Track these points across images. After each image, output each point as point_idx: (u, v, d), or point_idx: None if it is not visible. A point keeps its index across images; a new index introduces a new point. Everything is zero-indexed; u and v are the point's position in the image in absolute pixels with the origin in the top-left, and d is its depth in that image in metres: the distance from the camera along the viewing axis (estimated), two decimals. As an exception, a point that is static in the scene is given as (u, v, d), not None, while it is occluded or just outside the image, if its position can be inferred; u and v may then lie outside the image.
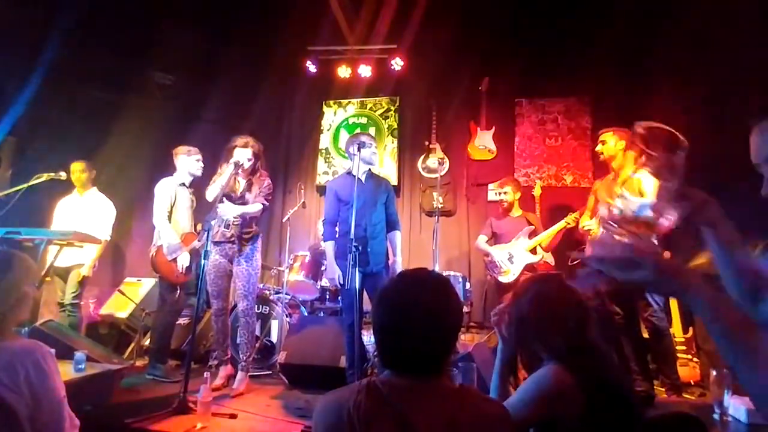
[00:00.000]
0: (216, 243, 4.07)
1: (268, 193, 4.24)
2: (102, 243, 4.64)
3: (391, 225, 4.10)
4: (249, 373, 4.11)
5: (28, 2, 5.37)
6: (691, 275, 0.92)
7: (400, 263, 4.02)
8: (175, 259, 4.31)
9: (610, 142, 4.09)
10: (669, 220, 1.28)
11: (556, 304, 1.67)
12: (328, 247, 4.04)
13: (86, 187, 4.90)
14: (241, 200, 4.11)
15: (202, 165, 4.58)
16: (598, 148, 4.20)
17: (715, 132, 4.67)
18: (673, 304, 4.33)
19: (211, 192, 3.99)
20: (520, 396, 1.58)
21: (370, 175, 4.08)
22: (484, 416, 1.22)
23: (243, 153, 4.07)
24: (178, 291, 4.43)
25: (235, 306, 4.28)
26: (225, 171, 3.98)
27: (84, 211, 4.82)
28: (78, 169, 4.85)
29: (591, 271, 1.04)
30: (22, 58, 5.38)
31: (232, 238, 4.06)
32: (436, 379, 1.27)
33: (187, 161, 4.50)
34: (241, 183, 4.15)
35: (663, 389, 3.96)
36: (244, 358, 4.05)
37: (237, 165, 3.99)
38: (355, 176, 3.87)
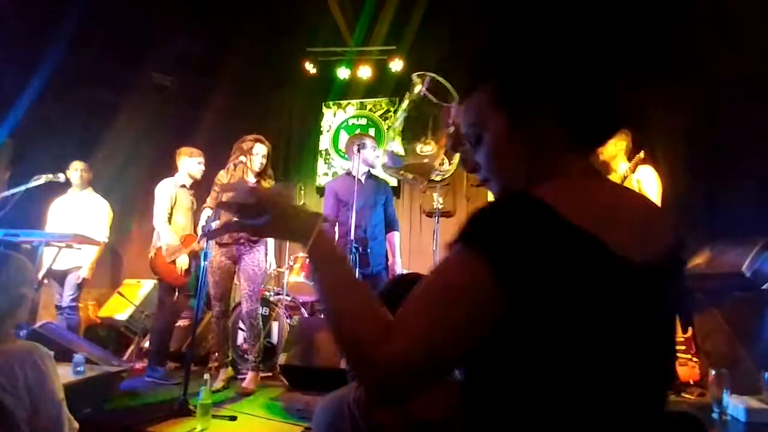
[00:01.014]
0: (222, 245, 4.06)
1: None
2: (101, 245, 4.62)
3: (390, 226, 4.10)
4: (260, 374, 4.16)
5: (27, 4, 5.37)
6: (310, 224, 0.93)
7: (399, 264, 4.02)
8: (174, 261, 4.30)
9: (609, 143, 4.09)
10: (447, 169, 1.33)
11: None
12: None
13: (83, 187, 4.88)
14: None
15: (203, 168, 4.58)
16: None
17: (712, 131, 4.67)
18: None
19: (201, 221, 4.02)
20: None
21: (369, 176, 4.08)
22: None
23: (261, 149, 4.08)
24: (177, 293, 4.43)
25: (235, 308, 4.28)
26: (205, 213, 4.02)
27: (80, 212, 4.80)
28: (79, 168, 4.83)
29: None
30: (20, 60, 5.39)
31: (240, 240, 4.06)
32: None
33: (189, 162, 4.51)
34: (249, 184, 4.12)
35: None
36: (252, 359, 4.06)
37: (237, 164, 4.00)
38: (354, 177, 3.87)
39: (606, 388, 0.76)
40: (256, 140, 4.09)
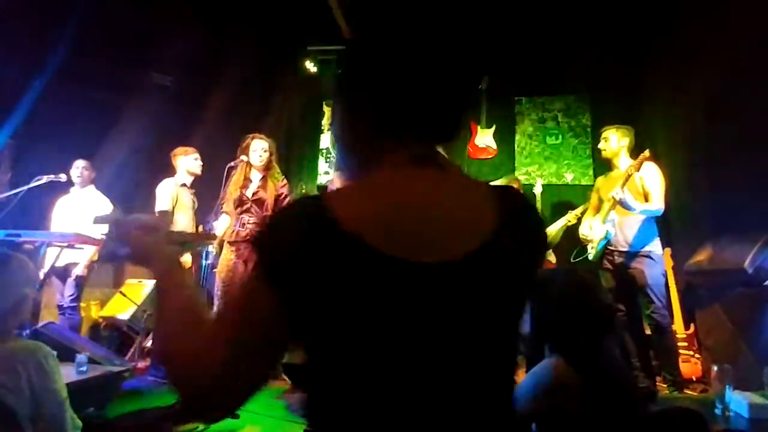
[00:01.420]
0: (231, 242, 4.07)
1: (288, 196, 4.27)
2: (102, 243, 4.61)
3: None
4: None
5: (27, 5, 5.37)
6: (157, 258, 0.98)
7: None
8: (177, 260, 4.30)
9: (613, 139, 4.08)
10: None
11: (589, 299, 1.67)
12: None
13: (85, 185, 4.89)
14: (256, 198, 4.07)
15: (201, 163, 4.59)
16: (601, 145, 4.19)
17: (713, 128, 4.66)
18: (675, 301, 4.33)
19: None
20: (522, 390, 1.58)
21: None
22: None
23: (258, 144, 4.09)
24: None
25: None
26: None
27: (83, 210, 4.78)
28: (81, 166, 4.85)
29: None
30: (21, 61, 5.38)
31: (248, 237, 4.05)
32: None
33: (185, 161, 4.52)
34: (255, 180, 4.11)
35: (665, 385, 3.97)
36: None
37: (239, 164, 4.01)
38: None
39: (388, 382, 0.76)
40: (253, 137, 4.15)
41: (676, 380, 3.94)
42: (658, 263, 3.90)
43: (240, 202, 4.04)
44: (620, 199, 3.73)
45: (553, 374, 1.52)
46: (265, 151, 4.10)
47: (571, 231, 4.86)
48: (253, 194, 4.05)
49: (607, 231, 3.91)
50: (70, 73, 5.58)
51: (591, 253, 4.09)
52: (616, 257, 3.97)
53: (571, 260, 4.66)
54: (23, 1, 5.32)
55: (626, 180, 3.81)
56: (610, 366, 1.58)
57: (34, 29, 5.40)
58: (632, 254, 3.90)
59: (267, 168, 4.15)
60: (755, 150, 4.07)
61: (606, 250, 4.00)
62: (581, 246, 4.34)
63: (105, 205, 4.94)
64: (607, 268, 4.02)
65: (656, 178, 3.89)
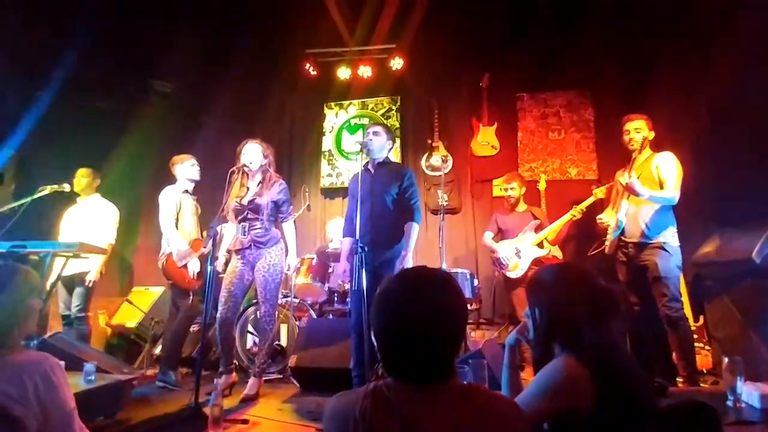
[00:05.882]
0: (237, 251, 4.05)
1: (287, 201, 4.19)
2: (107, 251, 4.60)
3: (406, 215, 3.83)
4: (263, 378, 4.13)
5: (32, 17, 5.38)
6: None
7: (409, 259, 3.77)
8: (185, 265, 4.31)
9: (640, 132, 3.90)
10: None
11: (585, 288, 1.65)
12: (344, 243, 3.98)
13: (88, 193, 4.90)
14: (252, 205, 4.04)
15: (198, 168, 4.59)
16: (631, 136, 3.92)
17: (718, 119, 4.64)
18: (684, 293, 4.29)
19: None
20: (532, 390, 1.56)
21: (383, 164, 3.92)
22: (496, 415, 1.16)
23: (248, 148, 4.05)
24: (191, 296, 4.42)
25: (243, 312, 4.26)
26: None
27: (88, 218, 4.82)
28: (81, 175, 4.86)
29: None
30: (24, 72, 5.40)
31: (248, 244, 4.02)
32: (444, 382, 1.19)
33: (183, 168, 4.53)
34: (252, 186, 4.08)
35: (680, 379, 3.90)
36: (258, 363, 4.02)
37: (239, 168, 3.99)
38: (366, 168, 3.81)
39: None
40: (245, 142, 4.09)
41: (691, 375, 3.82)
42: (672, 255, 3.75)
43: (237, 211, 4.02)
44: (627, 183, 3.64)
45: (564, 373, 1.50)
46: (256, 155, 4.04)
47: (581, 225, 4.84)
48: (249, 201, 4.00)
49: (619, 220, 3.83)
50: (71, 83, 5.59)
51: (606, 245, 4.03)
52: (629, 249, 3.87)
53: (588, 254, 4.64)
54: (27, 13, 5.33)
55: (632, 164, 3.78)
56: (619, 359, 1.56)
57: (38, 41, 5.41)
58: (645, 245, 3.79)
59: (264, 172, 4.10)
60: (761, 140, 4.05)
61: (620, 241, 3.91)
62: (599, 241, 4.27)
63: (110, 211, 4.94)
64: (621, 260, 3.94)
65: (672, 165, 3.78)
